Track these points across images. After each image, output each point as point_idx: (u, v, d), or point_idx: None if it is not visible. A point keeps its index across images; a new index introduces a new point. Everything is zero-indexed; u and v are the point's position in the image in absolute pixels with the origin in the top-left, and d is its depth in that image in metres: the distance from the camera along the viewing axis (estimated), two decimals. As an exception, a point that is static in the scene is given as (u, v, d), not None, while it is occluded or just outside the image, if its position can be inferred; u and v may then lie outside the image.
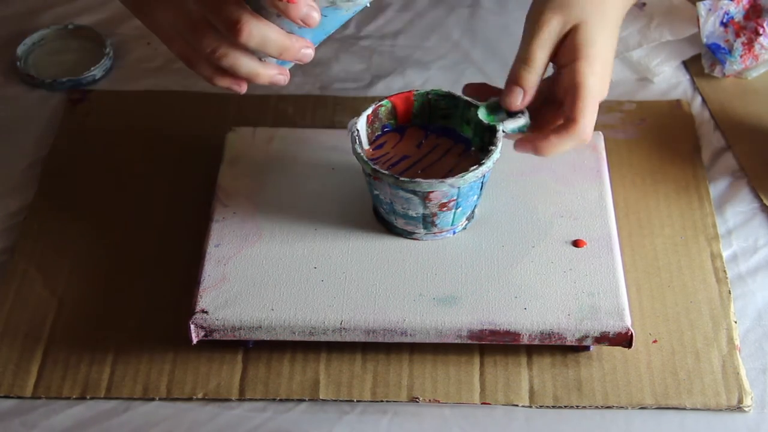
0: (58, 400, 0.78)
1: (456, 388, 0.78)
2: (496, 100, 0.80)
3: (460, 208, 0.80)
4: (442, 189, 0.77)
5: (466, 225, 0.82)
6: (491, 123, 0.79)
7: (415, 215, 0.79)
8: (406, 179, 0.76)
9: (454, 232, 0.82)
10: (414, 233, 0.81)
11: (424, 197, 0.77)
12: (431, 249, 0.81)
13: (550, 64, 0.79)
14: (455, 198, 0.78)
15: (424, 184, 0.76)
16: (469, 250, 0.81)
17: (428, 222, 0.80)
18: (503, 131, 0.79)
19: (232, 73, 0.73)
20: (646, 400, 0.77)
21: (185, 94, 1.01)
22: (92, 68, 1.02)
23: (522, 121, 0.79)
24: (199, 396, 0.78)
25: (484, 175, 0.78)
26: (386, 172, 0.77)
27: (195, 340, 0.77)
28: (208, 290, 0.78)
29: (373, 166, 0.77)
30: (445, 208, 0.79)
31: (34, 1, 1.12)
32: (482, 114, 0.79)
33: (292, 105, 1.00)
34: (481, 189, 0.80)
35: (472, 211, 0.82)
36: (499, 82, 1.03)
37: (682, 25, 1.04)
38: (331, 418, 0.77)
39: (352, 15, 0.72)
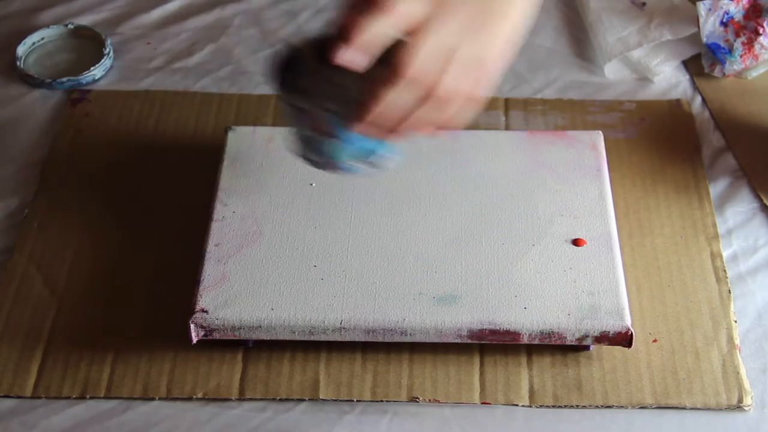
0: (58, 399, 0.78)
1: (456, 388, 0.78)
2: None
3: (341, 141, 0.73)
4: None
5: (363, 168, 0.76)
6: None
7: (300, 135, 0.76)
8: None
9: (346, 169, 0.76)
10: (312, 160, 0.77)
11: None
12: (431, 248, 0.81)
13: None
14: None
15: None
16: (469, 247, 0.81)
17: (314, 148, 0.75)
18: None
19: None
20: (646, 400, 0.77)
21: (185, 94, 1.01)
22: (92, 68, 1.02)
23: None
24: (199, 396, 0.78)
25: None
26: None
27: (195, 339, 0.77)
28: (208, 290, 0.78)
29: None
30: (321, 133, 0.73)
31: (34, 1, 1.12)
32: None
33: (292, 105, 1.00)
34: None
35: (370, 155, 0.75)
36: (498, 82, 1.03)
37: (682, 25, 1.04)
38: (331, 418, 0.77)
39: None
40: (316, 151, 0.76)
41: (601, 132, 0.90)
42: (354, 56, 0.65)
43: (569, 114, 0.99)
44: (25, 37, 1.05)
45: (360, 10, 0.65)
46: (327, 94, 0.72)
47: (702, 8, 1.01)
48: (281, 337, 0.77)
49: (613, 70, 1.04)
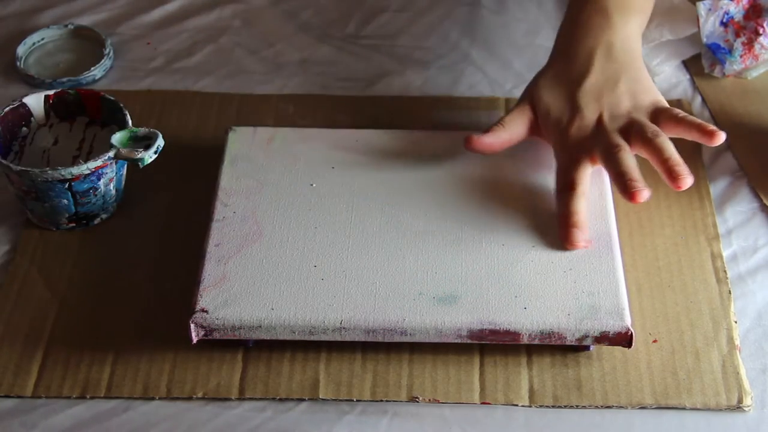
0: (59, 399, 0.78)
1: (456, 387, 0.78)
2: (149, 131, 0.85)
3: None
4: None
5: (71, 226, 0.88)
6: (115, 145, 0.84)
7: None
8: None
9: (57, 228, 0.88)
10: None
11: None
12: (431, 248, 0.81)
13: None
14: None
15: None
16: (469, 248, 0.81)
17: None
18: (113, 156, 0.84)
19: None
20: (646, 400, 0.77)
21: (185, 94, 1.01)
22: (92, 68, 1.02)
23: (140, 155, 0.84)
24: (199, 395, 0.78)
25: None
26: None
27: (195, 339, 0.77)
28: (208, 289, 0.78)
29: None
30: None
31: (34, 1, 1.12)
32: (117, 137, 0.85)
33: (293, 104, 1.00)
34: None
35: (74, 213, 0.87)
36: (499, 82, 1.03)
37: (682, 25, 1.04)
38: (331, 417, 0.77)
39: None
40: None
41: (601, 132, 0.90)
42: (580, 237, 0.81)
43: (569, 114, 0.99)
44: (25, 37, 1.05)
45: (565, 195, 0.82)
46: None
47: (702, 8, 1.01)
48: (281, 337, 0.77)
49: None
